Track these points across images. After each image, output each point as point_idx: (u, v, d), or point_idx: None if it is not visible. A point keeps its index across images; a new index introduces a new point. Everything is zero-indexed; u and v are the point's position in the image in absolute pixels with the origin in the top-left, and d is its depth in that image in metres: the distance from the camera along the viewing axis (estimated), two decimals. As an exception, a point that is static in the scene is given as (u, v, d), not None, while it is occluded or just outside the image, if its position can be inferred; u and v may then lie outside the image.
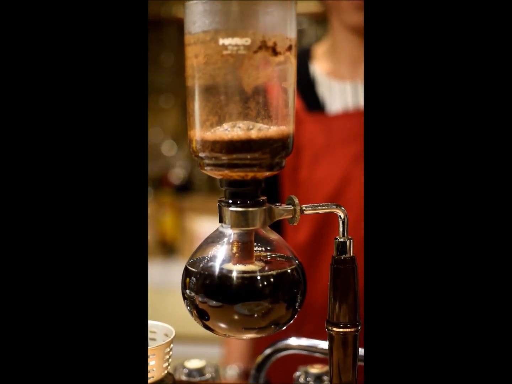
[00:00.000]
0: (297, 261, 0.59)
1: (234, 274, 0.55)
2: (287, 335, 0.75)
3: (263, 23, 0.52)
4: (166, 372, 0.68)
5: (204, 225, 2.35)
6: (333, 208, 0.59)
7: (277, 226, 1.03)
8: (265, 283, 0.55)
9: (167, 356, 0.67)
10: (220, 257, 0.57)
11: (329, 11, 1.10)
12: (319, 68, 1.12)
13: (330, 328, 0.59)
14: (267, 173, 0.56)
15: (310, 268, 1.04)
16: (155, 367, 0.66)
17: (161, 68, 2.54)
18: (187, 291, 0.57)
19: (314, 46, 1.16)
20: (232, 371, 1.03)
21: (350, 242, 0.58)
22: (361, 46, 1.07)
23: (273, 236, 0.59)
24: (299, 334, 0.75)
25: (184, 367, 0.77)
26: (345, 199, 1.04)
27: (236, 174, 0.55)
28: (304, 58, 1.13)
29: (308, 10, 2.25)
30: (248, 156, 0.53)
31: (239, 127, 0.53)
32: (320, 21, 2.35)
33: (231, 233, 0.57)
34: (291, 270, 0.57)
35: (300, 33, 2.34)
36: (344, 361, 0.59)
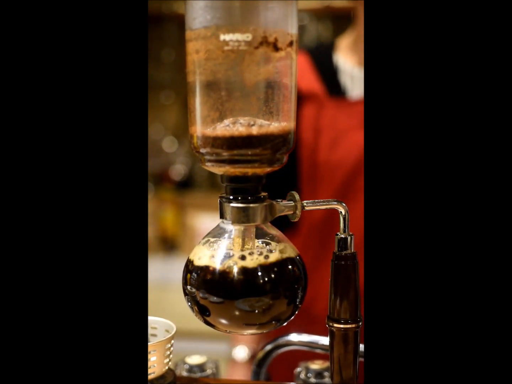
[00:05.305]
0: (298, 257, 0.59)
1: (235, 270, 0.55)
2: (288, 331, 0.75)
3: (264, 19, 0.52)
4: (167, 368, 0.68)
5: (205, 221, 2.36)
6: (334, 204, 0.59)
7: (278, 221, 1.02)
8: (266, 279, 0.55)
9: (168, 352, 0.67)
10: (221, 253, 0.57)
11: (356, 3, 1.11)
12: (342, 58, 1.15)
13: (331, 324, 0.59)
14: (268, 169, 0.56)
15: (311, 264, 1.04)
16: (156, 363, 0.66)
17: (162, 64, 2.54)
18: (188, 287, 0.58)
19: (338, 40, 1.19)
20: (241, 352, 1.02)
21: (351, 238, 0.58)
22: None
23: (274, 231, 0.59)
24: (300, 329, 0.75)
25: (185, 363, 0.77)
26: (361, 183, 1.04)
27: (237, 170, 0.55)
28: (328, 49, 1.16)
29: (309, 6, 2.25)
30: (249, 152, 0.53)
31: (240, 123, 0.53)
32: (321, 17, 2.35)
33: (232, 229, 0.57)
34: (292, 266, 0.57)
35: (301, 29, 2.34)
36: (345, 357, 0.59)
